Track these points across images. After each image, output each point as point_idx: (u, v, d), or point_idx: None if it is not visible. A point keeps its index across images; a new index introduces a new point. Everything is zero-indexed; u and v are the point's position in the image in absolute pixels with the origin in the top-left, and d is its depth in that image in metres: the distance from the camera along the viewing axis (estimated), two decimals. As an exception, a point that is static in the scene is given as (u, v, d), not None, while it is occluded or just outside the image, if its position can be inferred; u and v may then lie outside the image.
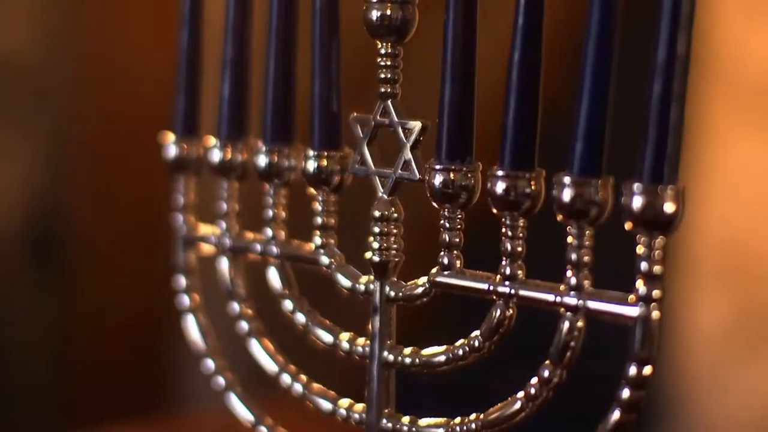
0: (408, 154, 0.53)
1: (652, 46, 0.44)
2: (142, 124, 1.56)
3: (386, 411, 0.55)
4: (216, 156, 0.59)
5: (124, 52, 1.55)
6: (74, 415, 1.54)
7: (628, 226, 0.46)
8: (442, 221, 0.51)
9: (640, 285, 0.46)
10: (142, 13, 1.55)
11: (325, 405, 0.57)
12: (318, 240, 0.57)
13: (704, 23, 1.22)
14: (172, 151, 0.61)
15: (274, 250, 0.59)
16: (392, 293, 0.54)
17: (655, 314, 0.46)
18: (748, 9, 1.28)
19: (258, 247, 0.59)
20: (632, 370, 0.47)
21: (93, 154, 1.59)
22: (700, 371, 1.30)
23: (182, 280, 0.63)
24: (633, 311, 0.46)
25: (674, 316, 1.32)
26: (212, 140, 0.60)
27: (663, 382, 1.40)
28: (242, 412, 0.60)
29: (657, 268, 0.46)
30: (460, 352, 0.52)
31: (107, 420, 1.25)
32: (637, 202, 0.45)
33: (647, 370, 0.46)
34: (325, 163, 0.55)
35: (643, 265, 0.46)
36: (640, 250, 0.46)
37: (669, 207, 0.45)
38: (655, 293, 0.46)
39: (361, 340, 0.56)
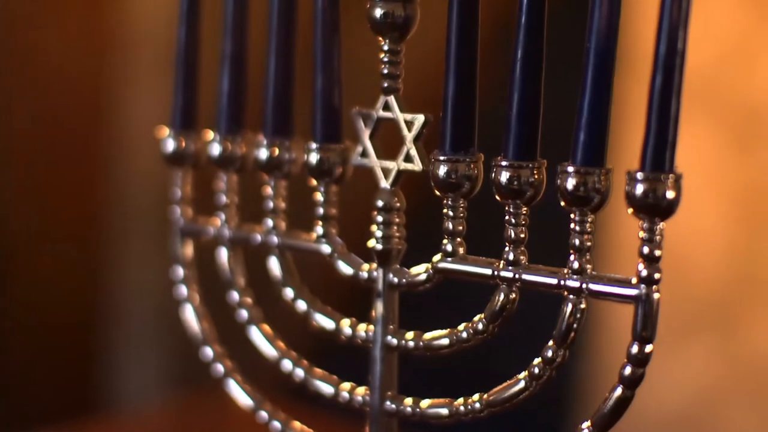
0: (412, 147, 0.55)
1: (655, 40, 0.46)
2: (73, 119, 1.55)
3: (389, 393, 0.57)
4: (216, 149, 0.61)
5: (53, 46, 1.53)
6: (3, 420, 1.52)
7: (629, 211, 0.48)
8: (445, 210, 0.53)
9: (641, 267, 0.48)
10: (70, 6, 1.53)
11: (327, 389, 0.59)
12: (320, 230, 0.58)
13: (634, 19, 1.25)
14: (169, 144, 0.62)
15: (275, 240, 0.60)
16: (395, 280, 0.56)
17: (656, 295, 0.48)
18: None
19: (258, 237, 0.61)
20: (634, 349, 0.49)
21: (23, 149, 1.57)
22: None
23: (180, 271, 0.64)
24: (634, 292, 0.49)
25: (600, 307, 1.33)
26: (211, 134, 0.61)
27: (588, 373, 1.43)
28: (242, 399, 0.62)
29: (657, 252, 0.48)
30: (464, 335, 0.54)
31: (38, 424, 1.24)
32: (639, 189, 0.47)
33: (649, 348, 0.49)
34: (328, 155, 0.57)
35: (645, 249, 0.48)
36: (641, 234, 0.48)
37: (669, 194, 0.47)
38: (656, 275, 0.48)
39: (363, 326, 0.58)
